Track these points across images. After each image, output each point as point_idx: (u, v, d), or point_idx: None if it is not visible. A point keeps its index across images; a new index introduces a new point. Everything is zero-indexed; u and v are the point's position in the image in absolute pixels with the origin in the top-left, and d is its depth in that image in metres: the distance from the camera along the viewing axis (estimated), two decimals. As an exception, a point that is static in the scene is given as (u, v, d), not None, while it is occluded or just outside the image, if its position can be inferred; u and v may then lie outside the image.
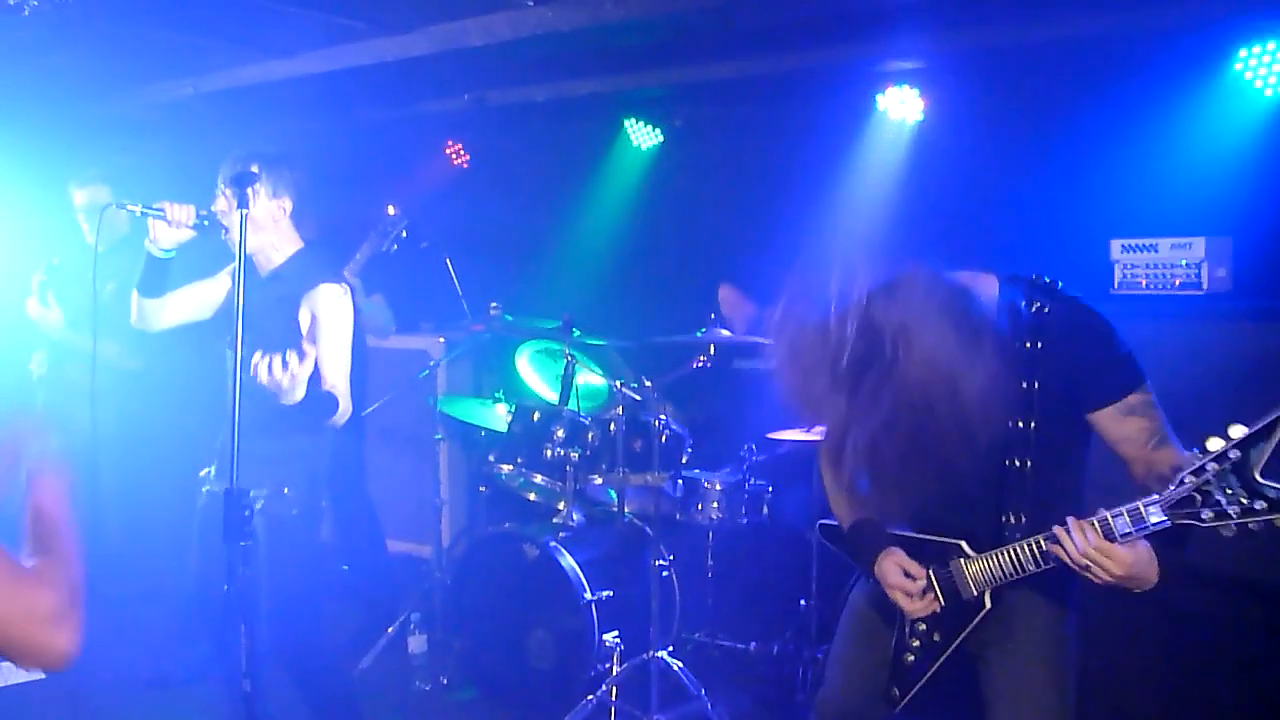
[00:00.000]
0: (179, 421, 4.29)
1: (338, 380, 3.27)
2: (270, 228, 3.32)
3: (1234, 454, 2.01)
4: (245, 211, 2.85)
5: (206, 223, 3.23)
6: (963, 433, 2.21)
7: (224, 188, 3.23)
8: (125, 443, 4.70)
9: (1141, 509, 2.11)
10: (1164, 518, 2.08)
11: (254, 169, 3.03)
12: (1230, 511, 2.01)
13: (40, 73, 5.26)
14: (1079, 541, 2.14)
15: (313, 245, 3.49)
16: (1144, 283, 3.82)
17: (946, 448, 2.23)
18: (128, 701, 4.41)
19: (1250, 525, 2.01)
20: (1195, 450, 2.07)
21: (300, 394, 2.96)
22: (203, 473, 3.49)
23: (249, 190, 2.90)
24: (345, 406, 3.28)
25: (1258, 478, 1.99)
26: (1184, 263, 3.75)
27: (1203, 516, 2.04)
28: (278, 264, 3.36)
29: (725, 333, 4.51)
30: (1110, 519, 2.14)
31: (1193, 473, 2.05)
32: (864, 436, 2.28)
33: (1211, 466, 2.03)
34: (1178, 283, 3.76)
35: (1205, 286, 3.71)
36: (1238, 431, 2.01)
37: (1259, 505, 1.99)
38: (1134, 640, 3.53)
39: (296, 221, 3.41)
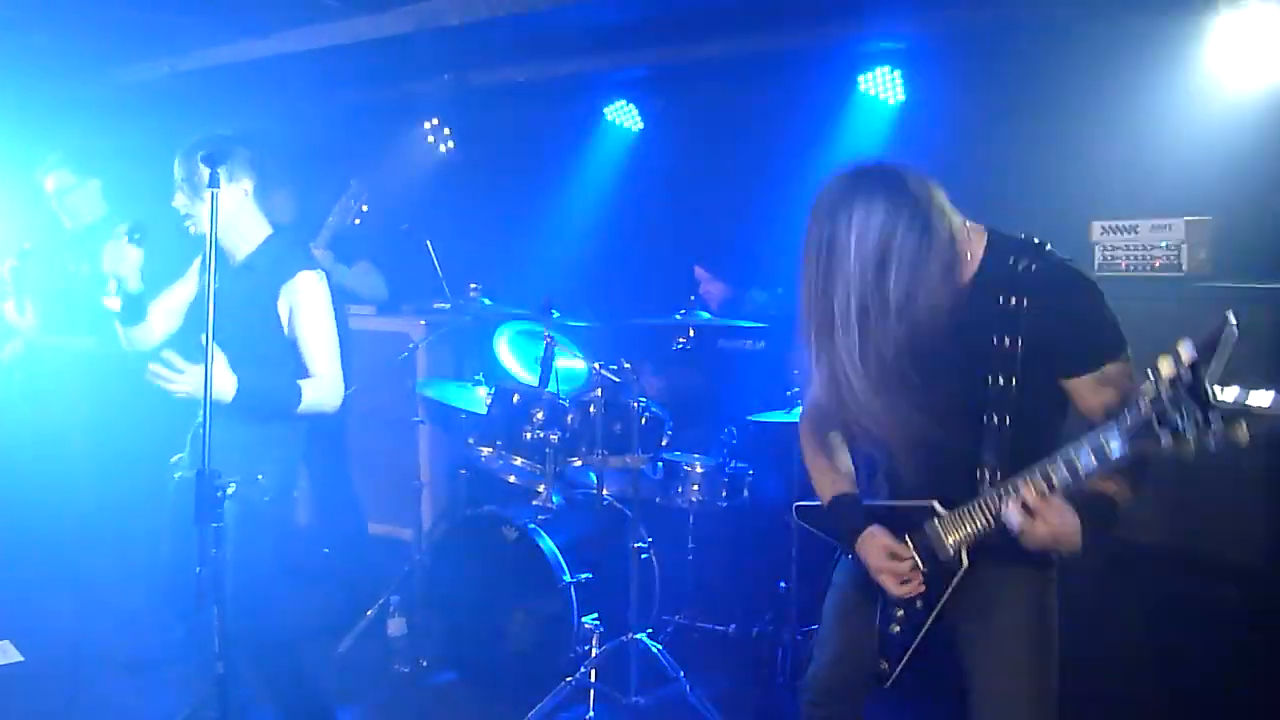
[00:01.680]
0: (154, 406, 4.23)
1: (325, 367, 3.23)
2: (235, 214, 3.23)
3: (1185, 375, 1.95)
4: (215, 190, 2.78)
5: (138, 235, 3.18)
6: (942, 385, 2.19)
7: (182, 179, 3.17)
8: (101, 427, 4.66)
9: (1101, 439, 2.08)
10: (1123, 442, 2.05)
11: (214, 150, 2.94)
12: (1187, 432, 1.95)
13: (14, 53, 5.19)
14: (1027, 497, 2.16)
15: (282, 230, 3.42)
16: (1124, 264, 3.80)
17: (926, 400, 2.20)
18: (104, 683, 4.36)
19: (1209, 442, 1.95)
20: (1148, 374, 2.02)
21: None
22: (174, 459, 3.44)
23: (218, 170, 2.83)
24: (332, 389, 3.24)
25: (1211, 395, 1.94)
26: (1164, 244, 3.72)
27: (1161, 440, 1.99)
28: (248, 253, 3.30)
29: (705, 315, 4.48)
30: (1074, 456, 2.13)
31: (1148, 398, 2.00)
32: (861, 390, 2.23)
33: (1165, 390, 1.97)
34: (1157, 264, 3.73)
35: (1185, 268, 3.69)
36: (1186, 351, 1.95)
37: (1215, 422, 1.93)
38: (1122, 624, 3.53)
39: (263, 205, 3.34)
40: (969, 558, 2.36)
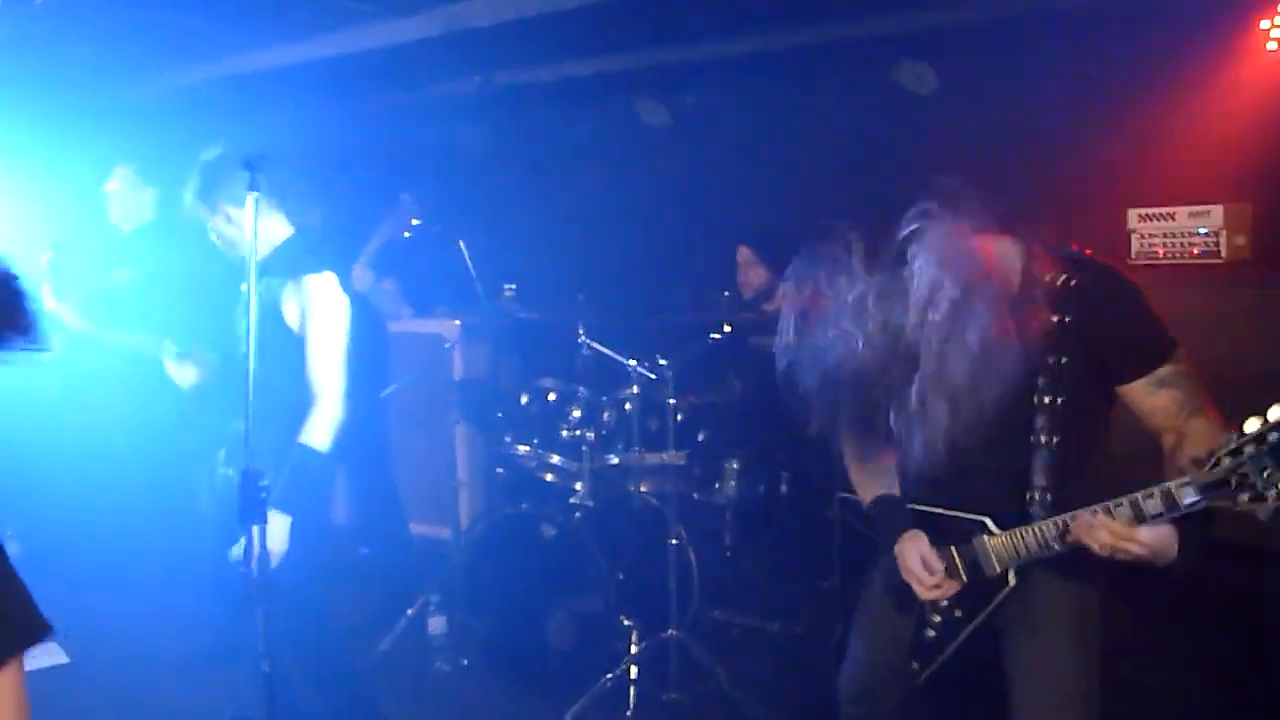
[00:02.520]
0: (198, 407, 4.31)
1: (324, 378, 3.21)
2: (235, 232, 3.29)
3: (1272, 436, 1.93)
4: (255, 194, 2.83)
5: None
6: (990, 406, 2.19)
7: (210, 197, 3.25)
8: (143, 425, 4.73)
9: (1174, 490, 2.05)
10: (1198, 498, 2.03)
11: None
12: (1267, 495, 1.94)
13: (53, 63, 5.28)
14: (1103, 535, 2.11)
15: (304, 231, 3.44)
16: (1161, 252, 3.78)
17: (974, 421, 2.20)
18: (150, 683, 4.45)
19: None
20: (1232, 431, 2.00)
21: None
22: (220, 454, 3.50)
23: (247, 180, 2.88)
24: (329, 406, 3.19)
25: None
26: (1202, 231, 3.70)
27: (1238, 499, 1.98)
28: (264, 255, 3.32)
29: (744, 315, 4.49)
30: (1141, 501, 2.09)
31: (1229, 454, 1.98)
32: (897, 404, 2.26)
33: (1249, 449, 1.96)
34: (1195, 251, 3.71)
35: (1224, 255, 3.66)
36: (1277, 413, 1.94)
37: None
38: (1159, 622, 3.50)
39: (282, 207, 3.38)
40: (1016, 576, 2.36)
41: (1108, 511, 2.14)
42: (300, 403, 3.21)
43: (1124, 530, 2.09)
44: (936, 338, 2.14)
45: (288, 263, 3.29)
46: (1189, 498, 2.04)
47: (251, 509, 2.69)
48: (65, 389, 5.04)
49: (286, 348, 3.23)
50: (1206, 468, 2.02)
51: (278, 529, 3.04)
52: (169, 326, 4.61)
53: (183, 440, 4.46)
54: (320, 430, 3.18)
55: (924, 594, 2.43)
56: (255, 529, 2.73)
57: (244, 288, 3.42)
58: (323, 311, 3.23)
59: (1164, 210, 3.75)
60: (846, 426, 2.67)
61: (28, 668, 3.89)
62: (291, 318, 3.24)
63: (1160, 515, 2.08)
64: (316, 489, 3.27)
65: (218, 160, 3.29)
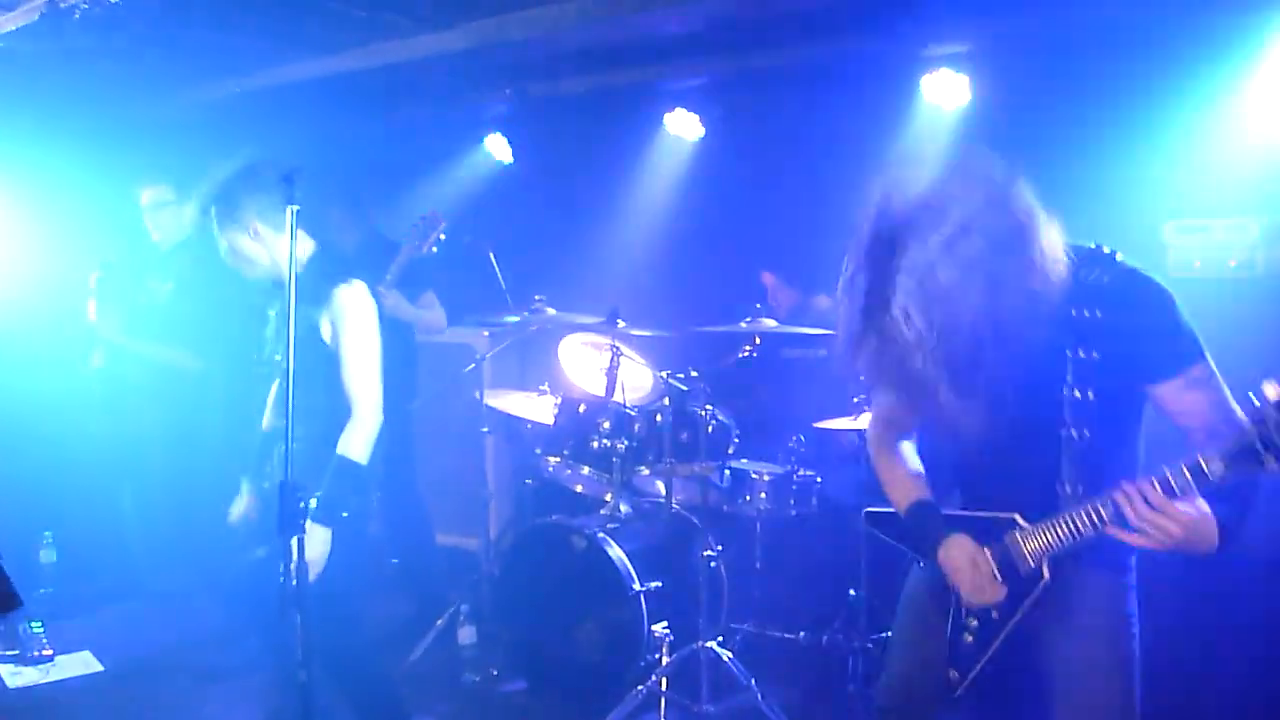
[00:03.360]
0: (228, 419, 4.39)
1: (360, 388, 3.24)
2: (250, 251, 3.32)
3: None
4: (295, 208, 2.87)
5: None
6: (1020, 399, 2.21)
7: (236, 212, 3.29)
8: (178, 438, 4.81)
9: (1202, 461, 2.07)
10: (1225, 468, 2.04)
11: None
12: None
13: (89, 77, 5.38)
14: (1139, 504, 2.12)
15: (327, 246, 3.47)
16: (1197, 265, 3.78)
17: (1005, 414, 2.22)
18: (182, 692, 4.51)
19: None
20: (1253, 398, 2.01)
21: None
22: (245, 483, 3.56)
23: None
24: (367, 417, 3.23)
25: None
26: (1239, 244, 3.70)
27: (1265, 465, 1.98)
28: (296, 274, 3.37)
29: (771, 322, 4.52)
30: (1169, 476, 2.11)
31: (1252, 420, 2.00)
32: (931, 401, 2.25)
33: (1272, 413, 1.96)
34: (1232, 264, 3.72)
35: (1261, 268, 3.67)
36: None
37: None
38: (1203, 627, 3.50)
39: (304, 223, 3.42)
40: (1050, 571, 2.37)
41: (1139, 489, 2.13)
42: (336, 415, 3.24)
43: (1161, 500, 2.09)
44: (965, 330, 2.14)
45: (316, 278, 3.30)
46: (1217, 468, 2.05)
47: (290, 520, 2.73)
48: (103, 400, 5.12)
49: (320, 362, 3.26)
50: (1233, 440, 2.03)
51: (317, 541, 3.09)
52: (204, 340, 4.71)
53: (216, 451, 4.54)
54: (359, 441, 3.22)
55: (980, 597, 2.45)
56: (294, 540, 2.76)
57: (272, 313, 3.51)
58: (355, 322, 3.26)
59: (1201, 223, 3.75)
60: (880, 426, 2.73)
61: (62, 676, 3.96)
62: (325, 332, 3.27)
63: (1189, 490, 2.08)
64: (356, 500, 3.30)
65: (246, 172, 3.30)
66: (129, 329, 4.80)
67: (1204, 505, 2.13)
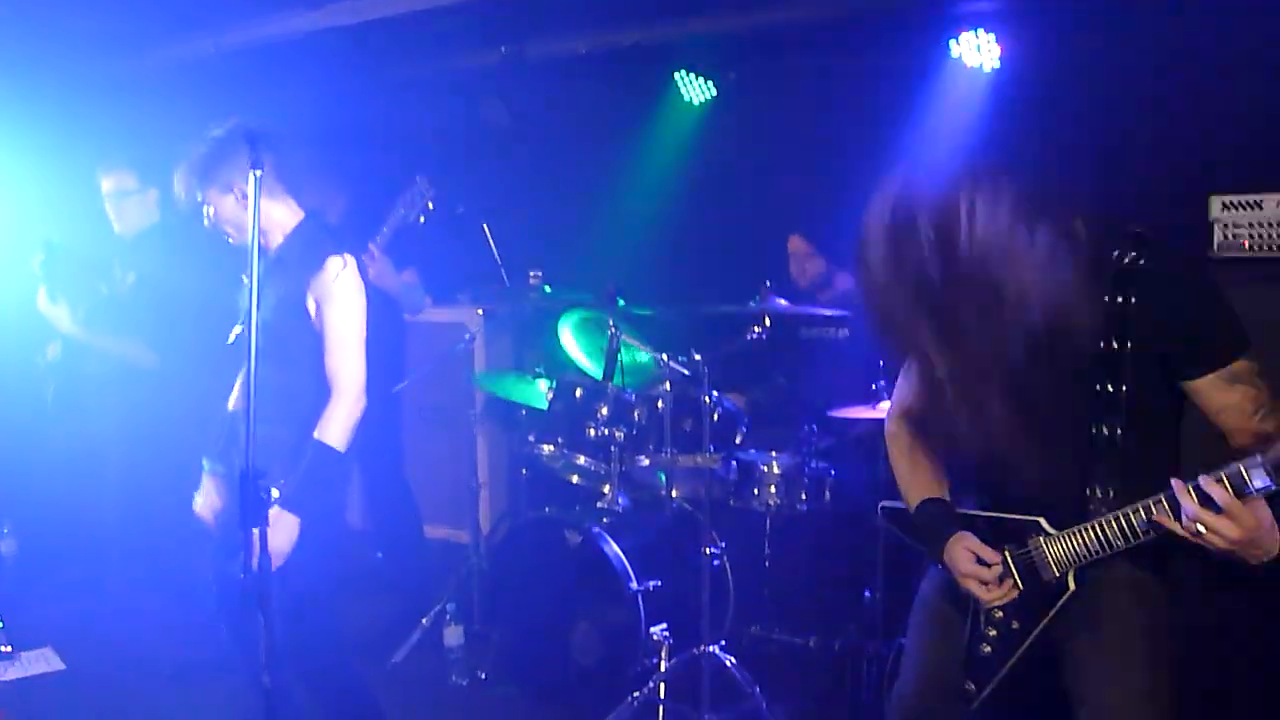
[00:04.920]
0: (190, 413, 4.34)
1: (341, 368, 3.19)
2: (239, 215, 3.24)
3: None
4: (259, 172, 2.80)
5: None
6: (1046, 393, 2.15)
7: (220, 174, 3.21)
8: (139, 433, 4.77)
9: (1243, 471, 2.00)
10: (1268, 480, 1.97)
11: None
12: None
13: (55, 34, 5.31)
14: (1191, 506, 2.03)
15: (314, 215, 3.42)
16: (1247, 244, 3.70)
17: (1029, 409, 2.16)
18: (148, 692, 4.48)
19: None
20: None
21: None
22: (206, 464, 3.50)
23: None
24: (347, 401, 3.17)
25: None
26: (1293, 221, 3.62)
27: None
28: (277, 245, 3.31)
29: (782, 301, 4.45)
30: (1205, 486, 2.03)
31: None
32: (951, 390, 2.23)
33: None
34: (1286, 243, 3.63)
35: (1318, 247, 3.58)
36: None
37: None
38: (1242, 641, 3.44)
39: (290, 191, 3.36)
40: (1076, 581, 2.31)
41: (1200, 488, 2.04)
42: (319, 397, 3.20)
43: (1229, 500, 2.00)
44: (983, 315, 2.08)
45: (304, 248, 3.27)
46: (1258, 478, 1.98)
47: (251, 511, 2.67)
48: (60, 394, 5.07)
49: (304, 338, 3.22)
50: (1277, 445, 1.97)
51: (284, 529, 3.04)
52: (168, 333, 4.65)
53: (176, 445, 4.51)
54: (338, 426, 3.16)
55: (983, 595, 2.39)
56: (255, 533, 2.70)
57: (245, 278, 3.45)
58: (341, 298, 3.21)
59: (1251, 198, 3.67)
60: (899, 416, 2.68)
61: (23, 674, 3.96)
62: (311, 306, 3.23)
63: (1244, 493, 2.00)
64: (331, 490, 3.26)
65: (231, 132, 3.23)
66: (88, 321, 4.73)
67: (1266, 509, 2.04)
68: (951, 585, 2.49)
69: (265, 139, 2.84)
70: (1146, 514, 2.15)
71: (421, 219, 4.81)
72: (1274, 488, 1.98)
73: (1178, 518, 2.08)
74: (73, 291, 4.72)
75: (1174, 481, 2.08)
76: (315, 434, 3.15)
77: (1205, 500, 2.03)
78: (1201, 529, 2.03)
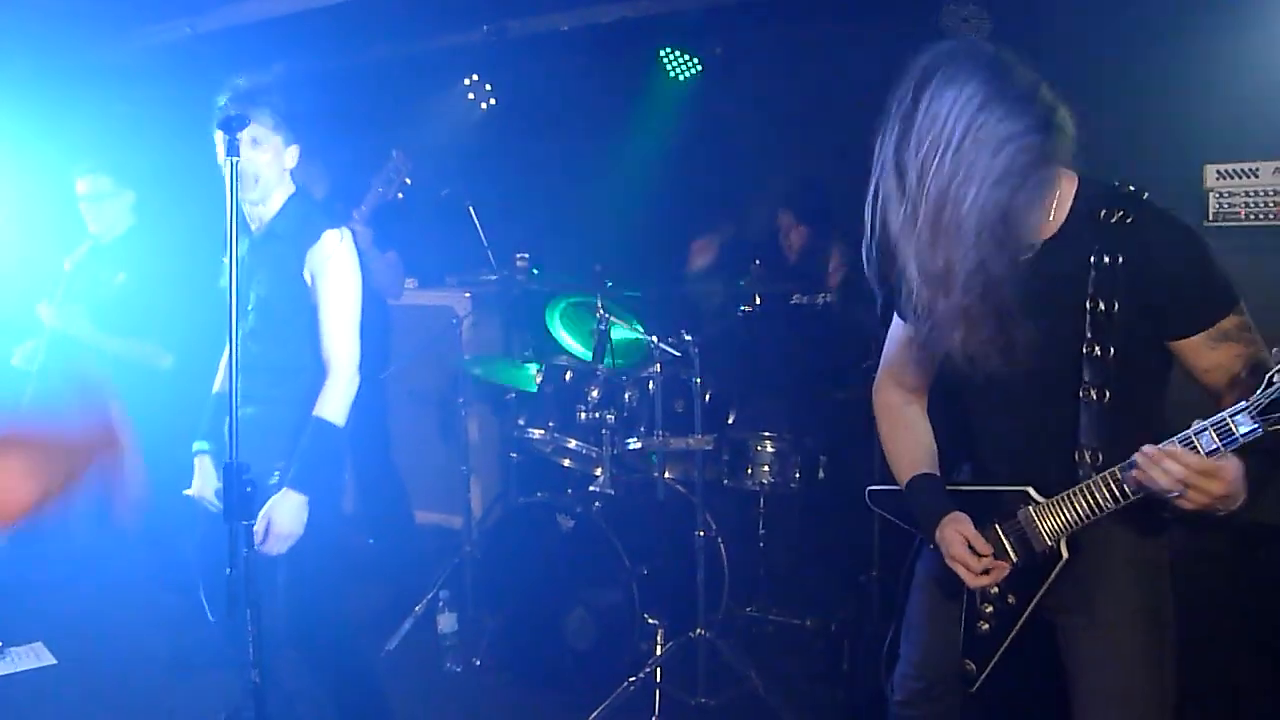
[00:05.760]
0: (184, 405, 4.30)
1: (338, 345, 3.18)
2: (267, 177, 3.21)
3: None
4: (235, 160, 2.76)
5: None
6: (1031, 355, 2.14)
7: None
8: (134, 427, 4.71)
9: (1229, 420, 1.99)
10: (1254, 426, 1.96)
11: (236, 114, 2.92)
12: None
13: (28, 17, 5.23)
14: (1172, 466, 2.00)
15: (304, 190, 3.40)
16: (1242, 213, 3.68)
17: (1013, 371, 2.16)
18: (141, 684, 4.46)
19: None
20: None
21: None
22: (195, 446, 3.47)
23: (239, 136, 2.80)
24: (343, 376, 3.18)
25: None
26: (1288, 189, 3.59)
27: None
28: (270, 217, 3.27)
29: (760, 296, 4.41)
30: (1194, 436, 2.02)
31: None
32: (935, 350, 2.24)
33: None
34: (1281, 212, 3.60)
35: (1313, 215, 3.56)
36: None
37: None
38: (1246, 611, 3.42)
39: (291, 166, 3.34)
40: (1068, 549, 2.28)
41: (1172, 452, 2.02)
42: (315, 373, 3.19)
43: (1204, 462, 1.98)
44: (963, 273, 2.08)
45: (297, 223, 3.24)
46: (1245, 426, 1.97)
47: (237, 505, 2.64)
48: (40, 395, 4.99)
49: (301, 313, 3.21)
50: (1260, 390, 1.96)
51: (293, 508, 3.04)
52: (163, 330, 4.60)
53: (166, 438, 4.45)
54: (336, 402, 3.16)
55: (973, 581, 2.36)
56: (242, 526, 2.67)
57: (225, 260, 3.40)
58: (337, 273, 3.20)
59: (1246, 166, 3.64)
60: (889, 385, 2.65)
61: (13, 669, 3.92)
62: (308, 280, 3.20)
63: (1216, 450, 2.00)
64: (334, 467, 3.26)
65: (257, 85, 3.23)
66: (96, 322, 4.68)
67: (1236, 461, 2.02)
68: (947, 566, 2.46)
69: (238, 121, 2.78)
70: (1128, 479, 2.12)
71: (399, 195, 4.76)
72: (1261, 433, 1.97)
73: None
74: (84, 294, 4.68)
75: (1146, 447, 2.05)
76: (315, 411, 3.14)
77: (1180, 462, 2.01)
78: (1184, 488, 2.01)
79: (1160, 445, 2.04)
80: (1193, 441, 2.02)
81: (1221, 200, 3.68)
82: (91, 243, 4.80)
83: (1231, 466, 2.00)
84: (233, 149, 2.76)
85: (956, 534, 2.39)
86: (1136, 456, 2.06)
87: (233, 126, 2.77)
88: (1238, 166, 3.65)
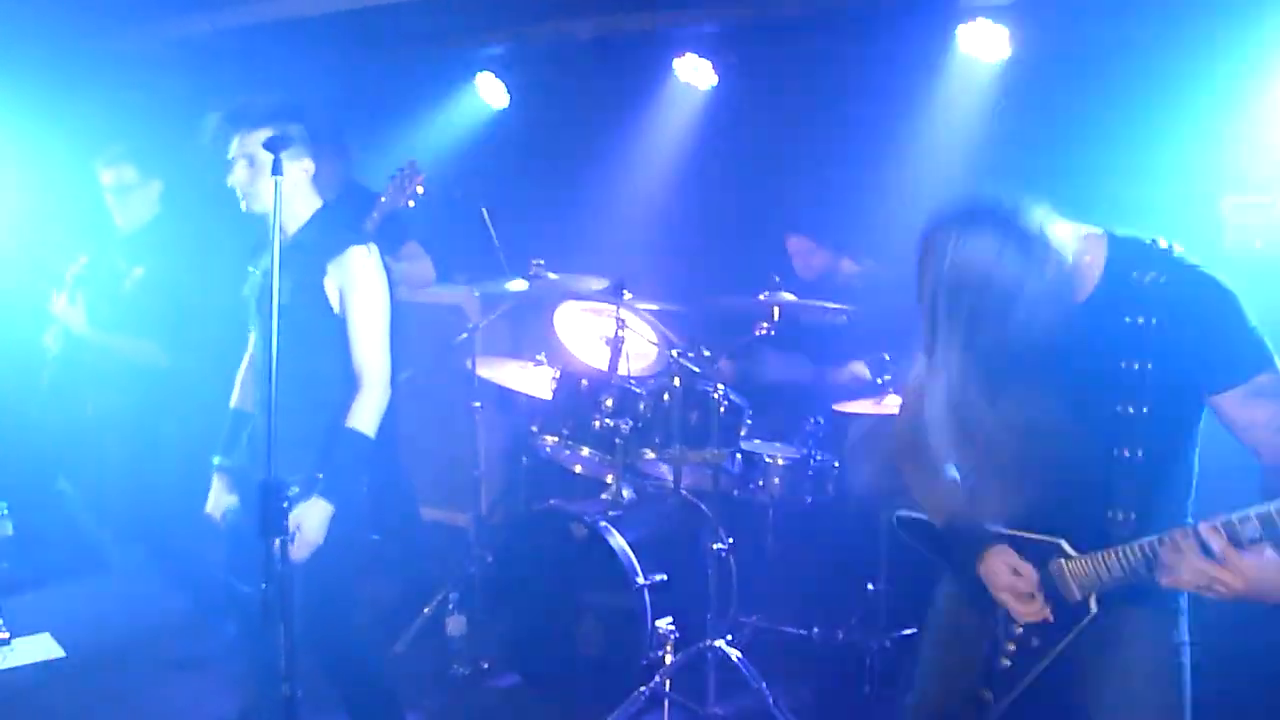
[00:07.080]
0: (198, 406, 4.30)
1: (369, 357, 3.21)
2: (291, 194, 3.22)
3: None
4: (280, 178, 2.78)
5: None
6: (1065, 415, 2.16)
7: (241, 154, 3.18)
8: (142, 424, 4.71)
9: (1274, 514, 1.99)
10: (1258, 533, 1.97)
11: (290, 131, 2.94)
12: None
13: (50, 9, 5.23)
14: (1194, 557, 2.04)
15: (331, 204, 3.42)
16: (1259, 243, 3.71)
17: (1048, 431, 2.18)
18: (149, 683, 4.47)
19: None
20: None
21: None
22: (215, 460, 3.49)
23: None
24: (376, 389, 3.21)
25: None
26: (1305, 221, 3.63)
27: None
28: (295, 230, 3.29)
29: (789, 296, 4.42)
30: (1237, 524, 2.02)
31: None
32: (969, 413, 2.24)
33: None
34: (1298, 243, 3.65)
35: (1329, 248, 3.60)
36: None
37: None
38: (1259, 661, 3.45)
39: (317, 180, 3.36)
40: (1099, 604, 2.31)
41: (1199, 536, 2.04)
42: (340, 386, 3.22)
43: (1225, 548, 2.01)
44: (999, 337, 2.11)
45: (325, 236, 3.26)
46: (1251, 532, 1.98)
47: (273, 521, 2.66)
48: (55, 385, 4.99)
49: (325, 328, 3.22)
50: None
51: (321, 517, 3.08)
52: (179, 327, 4.60)
53: (177, 437, 4.49)
54: (368, 414, 3.20)
55: (1020, 609, 2.38)
56: (277, 543, 2.70)
57: (251, 269, 3.42)
58: (366, 287, 3.23)
59: (1262, 199, 3.68)
60: (908, 427, 2.65)
61: (20, 662, 3.93)
62: (332, 296, 3.22)
63: (1259, 539, 2.00)
64: (359, 478, 3.28)
65: (282, 112, 3.20)
66: (94, 319, 4.66)
67: (1272, 555, 2.03)
68: (975, 597, 2.48)
69: (283, 141, 2.81)
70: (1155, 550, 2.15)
71: (410, 203, 4.76)
72: (1264, 541, 1.98)
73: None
74: (90, 292, 4.67)
75: (1173, 533, 2.09)
76: (348, 422, 3.17)
77: (1205, 551, 2.03)
78: (1201, 580, 2.04)
79: (1184, 530, 2.07)
80: (1235, 528, 2.02)
81: (1238, 231, 3.72)
82: (88, 257, 4.78)
83: (1258, 564, 2.00)
84: (277, 168, 2.78)
85: (1001, 563, 2.41)
86: (1161, 550, 2.10)
87: (276, 146, 2.79)
88: (1255, 199, 3.69)
